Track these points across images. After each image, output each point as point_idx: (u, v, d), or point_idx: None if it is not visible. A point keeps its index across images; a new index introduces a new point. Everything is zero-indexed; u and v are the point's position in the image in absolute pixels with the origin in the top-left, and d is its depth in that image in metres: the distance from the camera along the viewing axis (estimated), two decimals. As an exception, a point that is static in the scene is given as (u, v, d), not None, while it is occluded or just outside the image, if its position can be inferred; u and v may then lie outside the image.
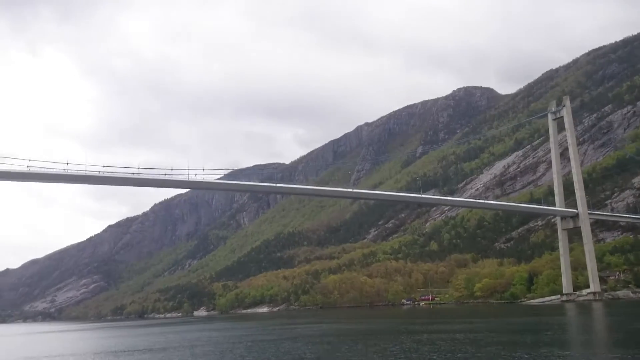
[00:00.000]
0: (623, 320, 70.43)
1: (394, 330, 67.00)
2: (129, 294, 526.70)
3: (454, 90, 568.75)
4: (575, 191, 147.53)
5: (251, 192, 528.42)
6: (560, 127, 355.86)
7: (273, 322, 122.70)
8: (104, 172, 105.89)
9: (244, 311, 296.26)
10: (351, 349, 44.15)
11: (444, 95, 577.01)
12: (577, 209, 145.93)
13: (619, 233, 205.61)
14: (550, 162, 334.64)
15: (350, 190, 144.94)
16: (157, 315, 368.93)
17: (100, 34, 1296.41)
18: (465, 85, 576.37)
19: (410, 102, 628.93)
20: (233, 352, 45.01)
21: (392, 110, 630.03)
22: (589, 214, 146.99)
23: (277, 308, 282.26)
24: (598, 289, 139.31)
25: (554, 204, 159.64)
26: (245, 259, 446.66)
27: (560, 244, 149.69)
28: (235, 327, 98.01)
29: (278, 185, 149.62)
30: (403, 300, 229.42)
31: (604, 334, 50.79)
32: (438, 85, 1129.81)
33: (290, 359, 37.82)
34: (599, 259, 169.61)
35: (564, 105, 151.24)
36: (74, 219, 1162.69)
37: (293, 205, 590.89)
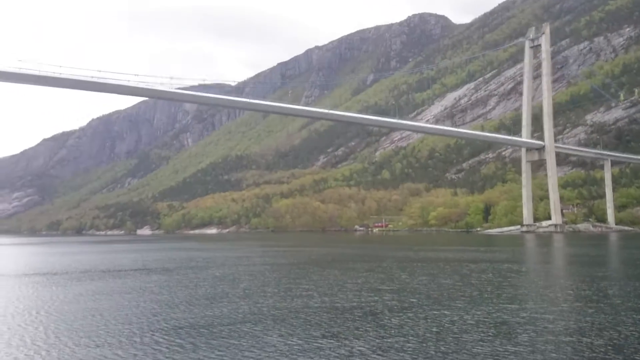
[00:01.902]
0: (596, 252, 70.19)
1: (385, 257, 64.01)
2: (65, 210, 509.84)
3: (408, 17, 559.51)
4: (544, 123, 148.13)
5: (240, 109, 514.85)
6: (515, 60, 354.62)
7: (247, 243, 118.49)
8: (61, 74, 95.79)
9: (192, 232, 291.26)
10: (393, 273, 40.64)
11: (398, 21, 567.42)
12: (543, 142, 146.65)
13: (569, 168, 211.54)
14: (501, 96, 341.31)
15: (333, 112, 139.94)
16: (97, 232, 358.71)
17: None
18: (420, 12, 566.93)
19: (364, 27, 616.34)
20: (268, 275, 40.39)
21: (344, 35, 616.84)
22: (555, 147, 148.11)
23: (227, 230, 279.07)
24: (560, 221, 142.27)
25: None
26: (190, 180, 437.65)
27: (524, 175, 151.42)
28: (216, 249, 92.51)
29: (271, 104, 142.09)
30: (356, 226, 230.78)
31: (583, 264, 49.38)
32: (392, 11, 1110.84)
33: (350, 285, 33.68)
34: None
35: (543, 33, 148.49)
36: (4, 130, 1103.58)
37: (239, 129, 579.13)
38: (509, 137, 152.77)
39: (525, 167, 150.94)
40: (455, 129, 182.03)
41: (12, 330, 22.54)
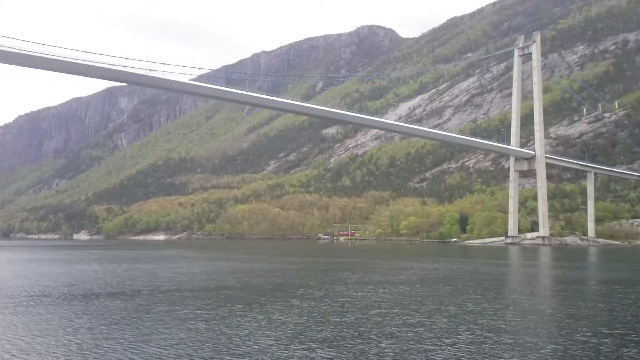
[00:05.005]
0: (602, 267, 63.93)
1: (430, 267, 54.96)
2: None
3: (358, 28, 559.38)
4: (535, 132, 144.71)
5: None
6: (467, 74, 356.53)
7: (231, 252, 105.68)
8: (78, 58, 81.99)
9: (136, 237, 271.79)
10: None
11: (348, 32, 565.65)
12: (534, 151, 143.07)
13: (535, 181, 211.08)
14: (457, 108, 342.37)
15: (338, 111, 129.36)
16: (29, 236, 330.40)
17: None
18: (369, 24, 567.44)
19: (312, 35, 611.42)
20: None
21: (292, 41, 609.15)
22: (546, 157, 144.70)
23: (177, 236, 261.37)
24: (547, 234, 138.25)
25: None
26: (129, 183, 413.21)
27: (511, 185, 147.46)
28: (222, 258, 79.53)
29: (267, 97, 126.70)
30: (320, 234, 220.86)
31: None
32: (340, 22, 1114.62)
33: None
34: (522, 204, 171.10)
35: (534, 42, 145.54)
36: None
37: (179, 130, 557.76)
38: (499, 145, 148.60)
39: (513, 177, 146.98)
40: (445, 133, 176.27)
41: None
